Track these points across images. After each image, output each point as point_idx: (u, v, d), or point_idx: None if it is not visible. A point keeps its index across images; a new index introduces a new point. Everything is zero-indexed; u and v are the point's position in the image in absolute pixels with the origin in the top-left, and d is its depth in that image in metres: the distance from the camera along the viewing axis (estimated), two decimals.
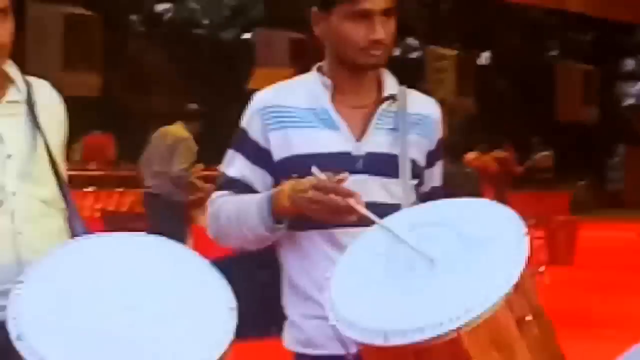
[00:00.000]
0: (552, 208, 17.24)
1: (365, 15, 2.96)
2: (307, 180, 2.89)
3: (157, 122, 11.72)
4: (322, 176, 2.87)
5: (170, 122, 10.90)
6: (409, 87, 3.20)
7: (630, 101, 32.68)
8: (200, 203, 9.98)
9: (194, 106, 11.34)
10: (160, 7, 27.73)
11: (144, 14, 27.50)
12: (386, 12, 2.98)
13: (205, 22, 28.69)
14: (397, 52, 26.33)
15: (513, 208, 2.86)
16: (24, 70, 3.19)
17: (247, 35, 25.72)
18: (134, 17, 27.04)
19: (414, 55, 28.08)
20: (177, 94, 19.80)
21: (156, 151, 10.84)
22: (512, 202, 17.37)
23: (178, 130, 10.76)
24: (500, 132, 22.39)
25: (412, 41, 28.93)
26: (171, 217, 10.21)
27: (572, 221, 16.46)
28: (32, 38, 15.60)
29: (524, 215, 3.16)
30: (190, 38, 27.18)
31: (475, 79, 22.94)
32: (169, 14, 27.98)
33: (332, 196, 2.81)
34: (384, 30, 2.99)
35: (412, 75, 18.95)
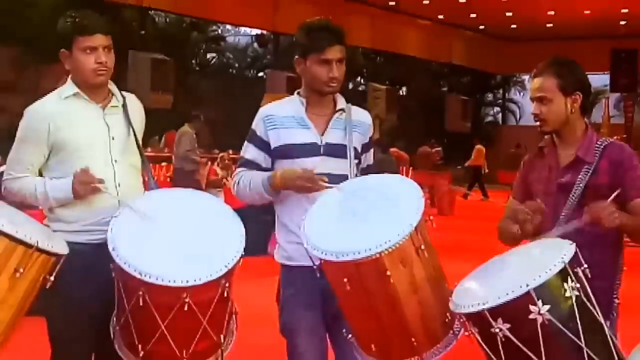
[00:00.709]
0: (440, 182, 23.00)
1: (327, 62, 3.94)
2: (292, 171, 3.83)
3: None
4: (301, 169, 3.81)
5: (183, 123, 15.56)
6: (356, 106, 4.20)
7: (489, 119, 45.16)
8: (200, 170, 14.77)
9: (196, 113, 15.56)
10: (209, 56, 40.83)
11: (200, 59, 39.94)
12: (340, 60, 3.97)
13: (236, 65, 41.55)
14: (350, 85, 39.38)
15: (417, 181, 3.69)
16: (125, 91, 4.09)
17: (261, 74, 36.61)
18: (193, 61, 38.67)
19: (361, 88, 39.27)
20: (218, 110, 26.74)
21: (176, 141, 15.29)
22: (417, 177, 20.17)
23: (184, 128, 15.10)
24: (411, 136, 30.54)
25: (359, 80, 41.83)
26: (187, 179, 13.83)
27: (452, 190, 22.99)
28: (132, 72, 21.40)
29: (424, 186, 3.87)
30: (227, 75, 39.38)
31: (397, 104, 30.36)
32: (215, 60, 40.93)
33: (307, 183, 3.75)
34: (338, 71, 3.97)
35: (359, 100, 25.95)
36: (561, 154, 3.84)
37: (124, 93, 4.11)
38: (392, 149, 19.96)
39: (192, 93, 32.17)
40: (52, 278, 3.43)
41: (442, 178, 23.73)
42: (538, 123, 3.81)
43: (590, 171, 3.71)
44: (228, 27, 39.41)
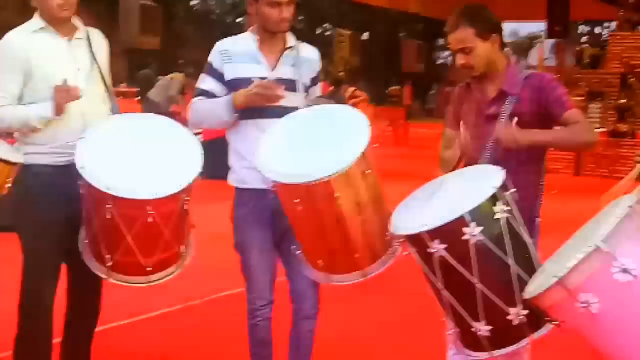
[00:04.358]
0: (397, 115, 23.66)
1: (277, 4, 3.81)
2: (254, 83, 3.71)
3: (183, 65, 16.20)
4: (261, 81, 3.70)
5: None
6: (322, 52, 4.08)
7: (440, 61, 45.26)
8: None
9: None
10: (193, 2, 41.03)
11: (183, 5, 39.63)
12: (289, 2, 3.83)
13: (217, 11, 42.27)
14: (318, 30, 41.20)
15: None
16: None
17: (239, 19, 37.62)
18: (179, 7, 38.13)
19: (328, 33, 40.44)
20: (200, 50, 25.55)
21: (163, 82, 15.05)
22: (379, 113, 20.22)
23: (176, 74, 15.17)
24: (372, 77, 33.13)
25: (327, 25, 42.32)
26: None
27: (406, 123, 23.65)
28: (122, 17, 20.36)
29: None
30: (208, 20, 39.70)
31: (360, 47, 30.58)
32: (197, 6, 41.28)
33: (266, 91, 3.64)
34: (287, 12, 3.83)
35: (326, 44, 27.70)
36: (487, 88, 3.72)
37: (88, 28, 3.98)
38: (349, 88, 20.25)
39: (177, 36, 32.70)
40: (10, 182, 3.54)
41: (399, 112, 24.28)
42: (465, 70, 3.67)
43: (514, 101, 3.60)
44: None
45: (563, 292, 2.67)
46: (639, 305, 2.61)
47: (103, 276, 3.64)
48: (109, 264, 3.55)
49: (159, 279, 3.64)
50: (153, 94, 14.79)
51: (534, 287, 2.84)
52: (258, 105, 3.78)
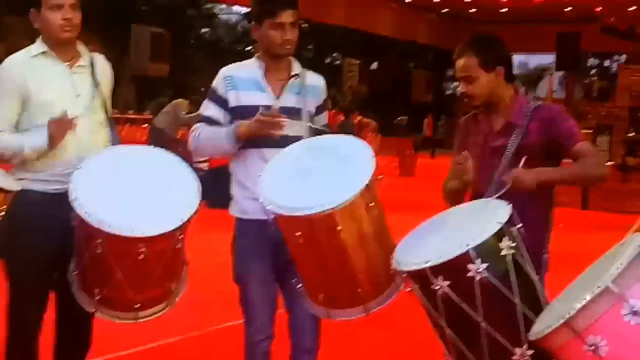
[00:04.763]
0: (405, 146, 23.69)
1: (281, 26, 3.75)
2: (258, 114, 3.64)
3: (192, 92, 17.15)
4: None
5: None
6: (331, 81, 4.08)
7: (449, 92, 44.28)
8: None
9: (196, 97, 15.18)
10: (203, 30, 41.87)
11: (194, 34, 40.78)
12: (292, 24, 3.77)
13: (227, 39, 43.00)
14: (328, 60, 42.23)
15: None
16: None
17: (249, 48, 37.39)
18: (189, 35, 39.03)
19: (337, 62, 41.09)
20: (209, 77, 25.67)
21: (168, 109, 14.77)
22: (386, 143, 20.76)
23: (180, 100, 14.85)
24: (380, 107, 33.00)
25: (336, 55, 43.42)
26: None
27: (414, 154, 23.66)
28: (133, 44, 21.60)
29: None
30: (218, 48, 39.97)
31: (368, 77, 31.94)
32: (208, 34, 42.06)
33: (269, 121, 3.58)
34: (291, 34, 3.78)
35: (335, 73, 28.89)
36: (493, 119, 3.67)
37: (92, 54, 3.94)
38: (358, 116, 20.43)
39: (187, 64, 32.85)
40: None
41: (407, 143, 24.22)
42: (466, 100, 3.65)
43: (521, 133, 3.54)
44: (222, 5, 39.88)
45: (570, 334, 2.57)
46: None
47: (91, 310, 3.57)
48: (98, 297, 3.48)
49: (147, 316, 3.57)
50: (158, 120, 14.78)
51: (540, 328, 2.73)
52: (261, 135, 3.71)
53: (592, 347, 2.53)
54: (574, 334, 2.56)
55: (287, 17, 3.77)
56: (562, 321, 2.56)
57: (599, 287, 2.51)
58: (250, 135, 3.73)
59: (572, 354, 2.63)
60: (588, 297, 2.52)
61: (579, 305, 2.53)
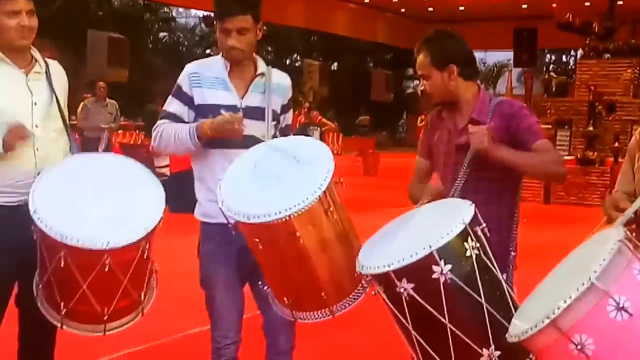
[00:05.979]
0: (366, 146, 23.66)
1: (227, 31, 3.70)
2: (220, 117, 3.60)
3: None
4: (227, 114, 3.60)
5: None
6: (292, 83, 4.00)
7: (409, 91, 43.27)
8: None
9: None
10: (161, 35, 41.02)
11: (152, 38, 40.14)
12: (240, 30, 3.69)
13: (185, 43, 42.12)
14: (287, 61, 41.31)
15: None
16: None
17: (208, 51, 35.96)
18: (147, 39, 38.60)
19: (297, 64, 40.37)
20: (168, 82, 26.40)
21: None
22: (346, 143, 20.83)
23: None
24: (341, 106, 33.35)
25: (296, 56, 42.88)
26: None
27: (376, 153, 23.14)
28: (90, 49, 21.65)
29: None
30: (177, 53, 38.85)
31: (329, 78, 31.55)
32: (166, 38, 41.17)
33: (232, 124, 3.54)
34: (237, 41, 3.69)
35: (296, 74, 27.38)
36: (457, 117, 3.65)
37: (47, 60, 3.85)
38: (318, 117, 20.52)
39: (145, 68, 32.40)
40: None
41: (369, 142, 24.44)
42: (426, 97, 3.64)
43: None
44: (180, 9, 39.82)
45: (556, 334, 2.49)
46: (634, 345, 2.46)
47: (57, 324, 3.45)
48: (63, 311, 3.36)
49: (115, 328, 3.48)
50: (82, 126, 14.09)
51: (522, 329, 2.62)
52: (222, 137, 3.66)
53: (579, 346, 2.46)
54: (560, 333, 2.48)
55: (233, 23, 3.70)
56: (547, 321, 2.48)
57: (583, 284, 2.44)
58: (212, 136, 3.68)
59: (557, 355, 2.55)
60: (573, 295, 2.45)
61: (564, 304, 2.46)
